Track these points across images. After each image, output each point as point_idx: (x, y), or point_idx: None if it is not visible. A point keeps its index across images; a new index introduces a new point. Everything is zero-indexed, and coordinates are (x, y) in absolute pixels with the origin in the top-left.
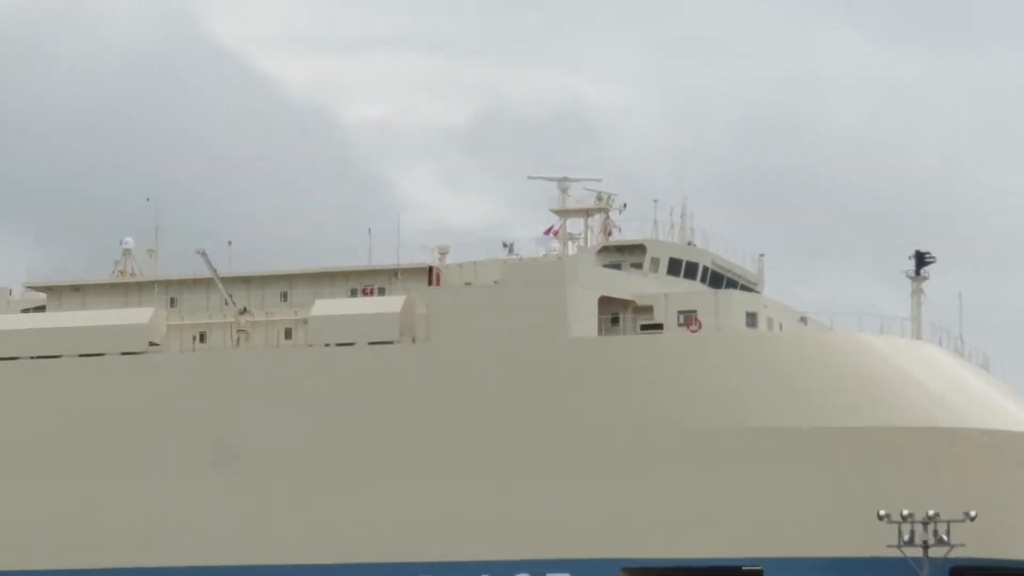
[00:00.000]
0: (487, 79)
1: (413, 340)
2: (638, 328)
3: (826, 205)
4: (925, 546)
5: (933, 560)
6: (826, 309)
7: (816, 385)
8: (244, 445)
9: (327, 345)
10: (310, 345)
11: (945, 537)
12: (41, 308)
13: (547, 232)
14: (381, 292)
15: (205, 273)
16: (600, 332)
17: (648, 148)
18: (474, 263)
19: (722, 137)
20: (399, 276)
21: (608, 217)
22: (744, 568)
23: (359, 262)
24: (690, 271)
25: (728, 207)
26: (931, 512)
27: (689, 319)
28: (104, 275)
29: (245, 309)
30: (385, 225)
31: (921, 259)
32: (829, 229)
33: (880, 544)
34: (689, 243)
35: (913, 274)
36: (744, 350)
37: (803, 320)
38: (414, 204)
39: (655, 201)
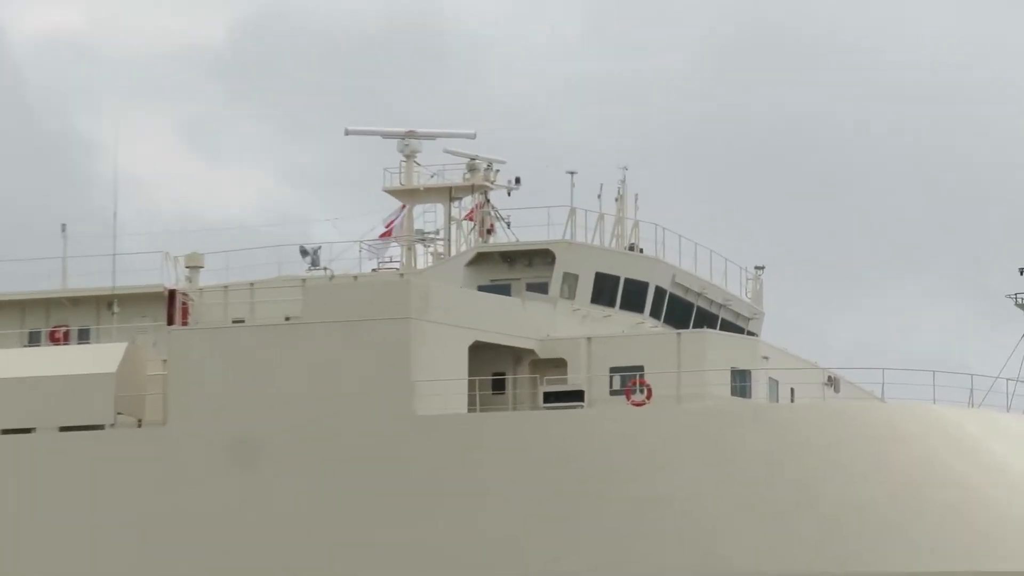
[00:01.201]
0: None
1: (139, 423)
2: (540, 398)
3: (869, 183)
4: None
5: None
6: (870, 362)
7: (859, 500)
8: None
9: None
10: None
11: None
12: None
13: (382, 235)
14: (83, 337)
15: None
16: (473, 406)
17: (555, 83)
18: (249, 285)
19: (687, 63)
20: (115, 308)
21: (488, 202)
22: None
23: (44, 284)
24: (632, 297)
25: (698, 184)
26: None
27: (631, 383)
28: None
29: None
30: (89, 218)
31: None
32: (872, 224)
33: None
34: (631, 247)
35: (1022, 301)
36: (729, 437)
37: (831, 382)
38: (138, 180)
39: (572, 174)
